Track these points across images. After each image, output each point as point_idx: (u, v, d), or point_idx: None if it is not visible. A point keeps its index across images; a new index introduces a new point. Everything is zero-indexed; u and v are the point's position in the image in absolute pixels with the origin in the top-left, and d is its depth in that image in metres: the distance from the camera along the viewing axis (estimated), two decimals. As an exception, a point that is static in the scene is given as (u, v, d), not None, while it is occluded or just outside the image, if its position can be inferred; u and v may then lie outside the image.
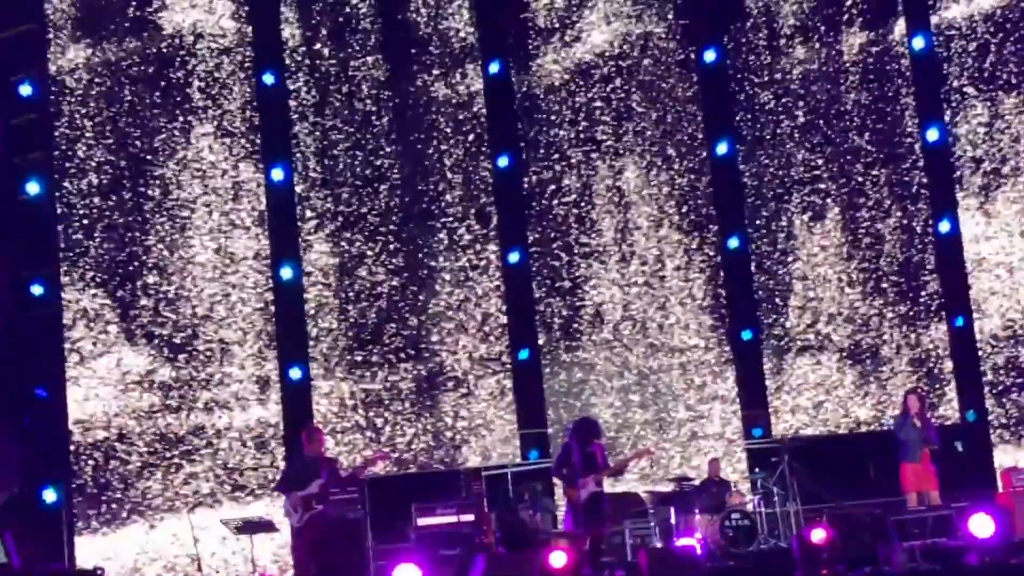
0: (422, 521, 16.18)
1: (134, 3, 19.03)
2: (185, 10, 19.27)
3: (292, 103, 19.64)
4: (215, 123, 19.13)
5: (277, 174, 19.21)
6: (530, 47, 20.51)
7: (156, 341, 18.41)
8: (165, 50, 19.10)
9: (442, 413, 19.34)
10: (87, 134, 18.65)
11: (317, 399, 18.93)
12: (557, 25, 20.59)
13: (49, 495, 17.07)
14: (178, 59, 19.12)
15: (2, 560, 14.23)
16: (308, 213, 19.45)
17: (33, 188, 18.03)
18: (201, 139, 19.05)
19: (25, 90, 18.23)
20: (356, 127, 19.81)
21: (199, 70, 19.18)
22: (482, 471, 18.01)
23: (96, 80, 18.78)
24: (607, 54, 20.54)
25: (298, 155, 19.48)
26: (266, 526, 16.08)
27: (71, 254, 18.33)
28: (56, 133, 18.59)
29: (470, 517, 16.27)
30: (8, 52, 18.23)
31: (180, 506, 17.94)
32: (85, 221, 18.49)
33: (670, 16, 20.78)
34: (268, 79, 19.40)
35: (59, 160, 18.51)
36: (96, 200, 18.56)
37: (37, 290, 17.78)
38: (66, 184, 18.49)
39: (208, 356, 18.61)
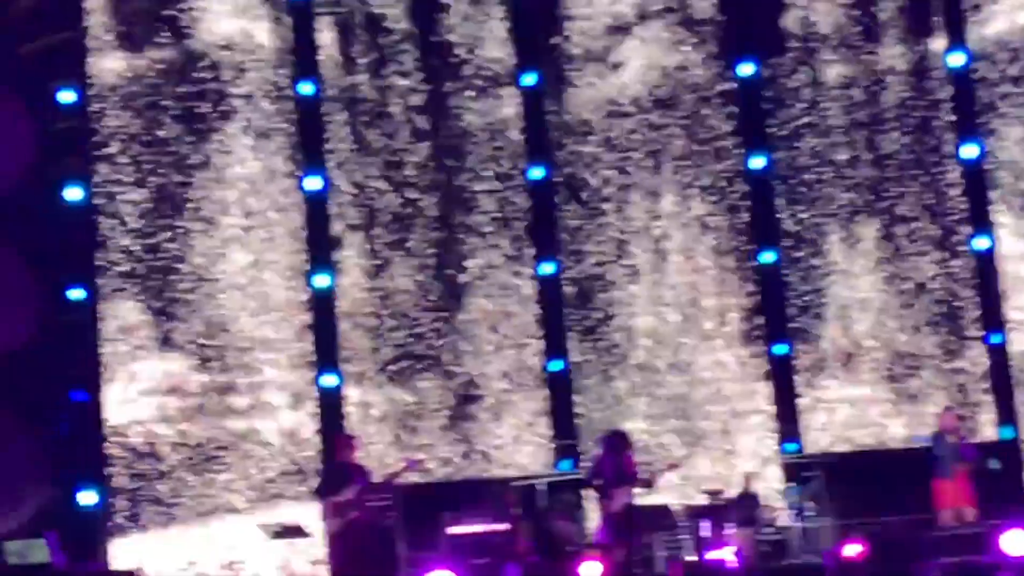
0: (453, 529, 16.18)
1: (172, 13, 19.08)
2: (222, 20, 19.33)
3: (328, 113, 19.67)
4: (252, 132, 19.18)
5: (313, 183, 19.24)
6: (566, 71, 20.56)
7: (191, 348, 18.46)
8: (202, 60, 19.15)
9: (475, 423, 19.32)
10: (125, 142, 18.72)
11: (350, 406, 18.94)
12: (594, 51, 20.62)
13: (85, 498, 17.13)
14: (215, 68, 19.17)
15: (46, 559, 14.34)
16: (343, 223, 19.47)
17: (72, 194, 18.11)
18: (237, 148, 19.10)
19: (65, 97, 18.33)
20: (391, 137, 19.83)
21: (236, 80, 19.24)
22: (514, 481, 17.99)
23: (134, 88, 18.86)
24: (643, 81, 20.56)
25: (334, 165, 19.51)
26: (300, 532, 16.12)
27: (108, 260, 18.40)
28: (94, 140, 18.64)
29: (502, 526, 16.27)
30: (48, 60, 18.32)
31: (214, 511, 17.96)
32: (122, 228, 18.55)
33: (706, 39, 20.78)
34: (306, 89, 19.44)
35: (97, 167, 18.56)
36: (133, 207, 18.63)
37: (75, 295, 17.86)
38: (104, 191, 18.55)
39: (242, 363, 18.64)
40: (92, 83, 18.74)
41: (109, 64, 18.86)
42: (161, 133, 18.88)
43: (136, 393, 18.20)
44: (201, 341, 18.54)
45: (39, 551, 14.42)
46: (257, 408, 18.58)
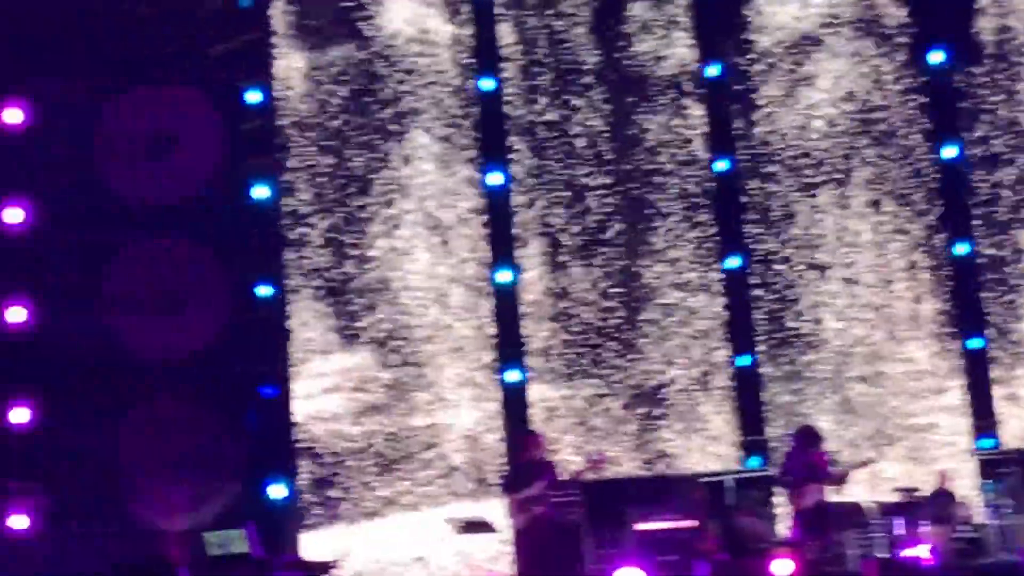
0: (641, 526, 16.08)
1: (352, 12, 19.22)
2: (402, 16, 19.42)
3: (508, 107, 19.65)
4: (432, 127, 19.24)
5: (494, 178, 19.24)
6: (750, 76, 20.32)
7: (374, 345, 18.58)
8: (382, 56, 19.27)
9: (661, 420, 19.16)
10: (308, 139, 18.91)
11: (535, 402, 18.90)
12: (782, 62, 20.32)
13: (275, 491, 17.35)
14: (395, 65, 19.27)
15: (244, 550, 14.58)
16: (524, 217, 19.44)
17: (259, 192, 18.34)
18: (418, 144, 19.17)
19: (252, 97, 18.57)
20: (571, 130, 19.75)
21: (416, 76, 19.32)
22: (702, 478, 17.80)
23: (316, 86, 19.04)
24: (832, 90, 20.25)
25: (514, 159, 19.49)
26: (487, 527, 16.14)
27: (295, 257, 18.61)
28: (280, 138, 18.87)
29: (690, 523, 16.12)
30: (235, 60, 18.57)
31: (401, 506, 18.08)
32: (307, 226, 18.75)
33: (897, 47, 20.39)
34: (486, 84, 19.44)
35: (283, 165, 18.79)
36: (317, 204, 18.81)
37: (263, 291, 18.10)
38: (290, 188, 18.77)
39: (426, 360, 18.71)
40: (277, 83, 18.97)
41: (293, 64, 19.06)
42: (342, 130, 19.02)
43: (321, 390, 18.37)
44: (384, 337, 18.64)
45: (238, 542, 14.67)
46: (441, 404, 18.63)
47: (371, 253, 18.87)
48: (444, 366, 18.79)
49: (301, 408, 18.20)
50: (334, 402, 18.39)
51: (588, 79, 19.99)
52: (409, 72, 19.34)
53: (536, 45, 19.95)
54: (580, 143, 19.81)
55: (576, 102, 19.92)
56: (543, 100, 19.85)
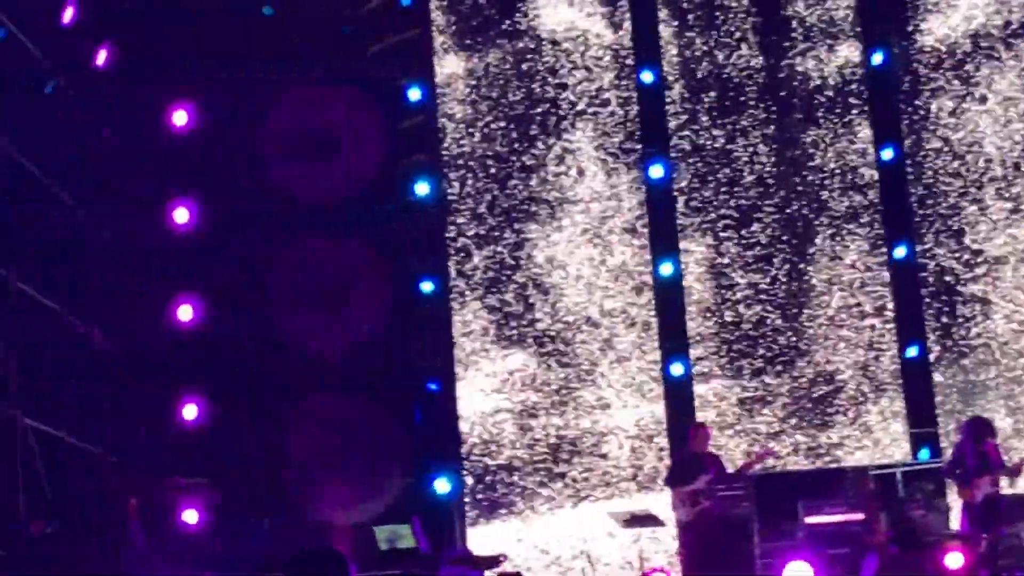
0: (810, 519, 15.86)
1: (509, 9, 19.24)
2: (560, 13, 19.37)
3: (669, 99, 19.50)
4: (592, 120, 19.17)
5: (656, 171, 19.10)
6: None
7: (536, 339, 18.59)
8: (541, 53, 19.25)
9: (829, 412, 18.88)
10: (468, 137, 18.98)
11: (699, 395, 18.75)
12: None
13: (441, 486, 17.45)
14: (554, 61, 19.24)
15: (411, 545, 14.71)
16: (686, 210, 19.29)
17: (422, 189, 18.45)
18: (578, 137, 19.12)
19: (413, 94, 18.69)
20: (732, 124, 19.53)
21: (575, 72, 19.26)
22: (870, 470, 17.49)
23: (475, 84, 19.10)
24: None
25: (675, 152, 19.33)
26: (652, 521, 16.07)
27: (456, 254, 18.69)
28: (440, 135, 18.97)
29: (859, 516, 15.86)
30: (396, 57, 18.71)
31: (565, 500, 18.07)
32: (469, 221, 18.83)
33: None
34: (647, 77, 19.31)
35: (443, 162, 18.89)
36: (477, 201, 18.87)
37: (427, 287, 18.22)
38: (451, 186, 18.86)
39: (588, 353, 18.66)
40: (438, 80, 19.08)
41: (452, 61, 19.15)
42: (503, 126, 19.05)
43: (487, 387, 18.44)
44: (545, 333, 18.63)
45: (407, 537, 14.80)
46: (604, 397, 18.57)
47: (533, 249, 18.86)
48: (606, 360, 18.72)
49: (465, 405, 18.29)
50: (498, 398, 18.44)
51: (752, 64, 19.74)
52: (568, 68, 19.28)
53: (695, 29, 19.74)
54: (742, 134, 19.60)
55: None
56: (703, 90, 19.67)
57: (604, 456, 18.38)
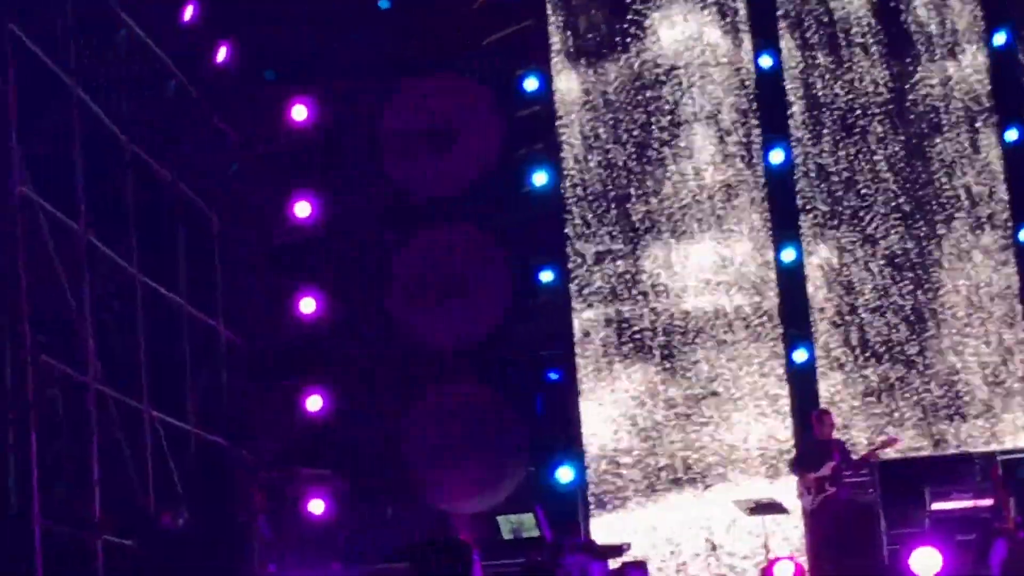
0: (936, 505, 15.65)
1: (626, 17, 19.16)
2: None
3: (788, 86, 19.29)
4: (710, 109, 19.02)
5: (776, 156, 18.87)
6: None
7: (655, 322, 18.52)
8: (660, 55, 19.13)
9: (952, 396, 18.61)
10: (587, 125, 18.94)
11: (823, 382, 18.56)
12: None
13: (563, 475, 17.45)
14: (671, 66, 19.09)
15: (535, 534, 14.77)
16: (805, 198, 19.08)
17: (540, 179, 18.46)
18: (697, 127, 18.97)
19: (529, 84, 18.70)
20: (851, 111, 19.25)
21: (692, 60, 19.12)
22: (997, 455, 17.21)
23: (592, 77, 19.05)
24: None
25: (795, 138, 19.11)
26: (777, 508, 15.96)
27: (576, 244, 18.67)
28: (557, 124, 18.95)
29: (987, 502, 15.62)
30: (511, 48, 18.74)
31: (688, 487, 17.99)
32: (587, 216, 18.79)
33: None
34: (765, 62, 19.09)
35: (562, 152, 18.87)
36: (600, 189, 18.82)
37: (546, 276, 18.22)
38: (567, 179, 18.83)
39: (710, 336, 18.54)
40: (553, 71, 19.06)
41: (568, 53, 19.11)
42: (621, 117, 18.97)
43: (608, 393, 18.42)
44: (664, 317, 18.55)
45: (530, 525, 14.85)
46: (728, 380, 18.43)
47: (651, 247, 18.72)
48: (730, 343, 18.58)
49: (586, 393, 18.30)
50: (619, 386, 18.41)
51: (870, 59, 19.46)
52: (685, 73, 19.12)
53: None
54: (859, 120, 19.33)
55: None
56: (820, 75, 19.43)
57: (727, 441, 18.25)
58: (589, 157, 18.94)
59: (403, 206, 17.58)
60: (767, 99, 19.14)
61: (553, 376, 18.10)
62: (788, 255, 18.66)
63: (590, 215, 18.83)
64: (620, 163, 18.93)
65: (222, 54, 16.70)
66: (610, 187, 18.93)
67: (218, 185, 16.91)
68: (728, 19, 19.28)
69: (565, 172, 18.82)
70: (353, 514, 16.04)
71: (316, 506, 15.45)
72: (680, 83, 19.11)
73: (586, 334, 18.50)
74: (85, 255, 13.43)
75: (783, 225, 18.86)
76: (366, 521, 16.11)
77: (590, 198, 18.87)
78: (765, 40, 19.13)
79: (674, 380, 18.41)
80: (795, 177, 18.98)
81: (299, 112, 17.38)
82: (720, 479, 18.14)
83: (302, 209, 17.26)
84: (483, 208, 17.84)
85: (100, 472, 12.97)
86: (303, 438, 16.61)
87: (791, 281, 18.74)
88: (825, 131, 19.15)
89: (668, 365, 18.46)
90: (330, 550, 15.05)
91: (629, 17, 19.19)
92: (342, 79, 17.54)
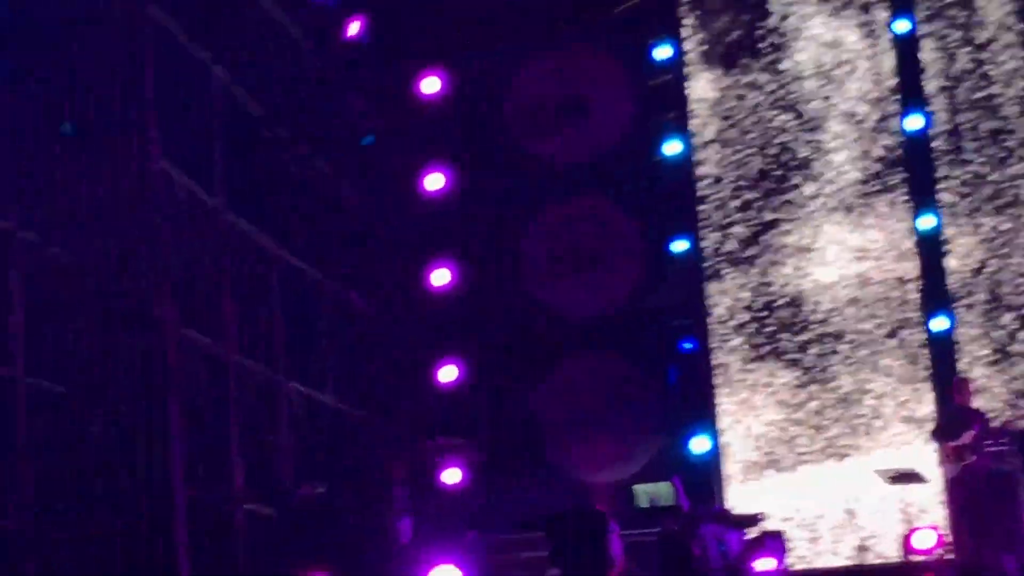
0: (1081, 474, 15.35)
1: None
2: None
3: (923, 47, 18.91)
4: (844, 79, 18.74)
5: (914, 123, 18.51)
6: None
7: (788, 303, 18.36)
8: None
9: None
10: (716, 101, 18.76)
11: (961, 350, 18.25)
12: None
13: (698, 445, 17.38)
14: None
15: (671, 503, 14.78)
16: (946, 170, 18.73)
17: (671, 148, 18.35)
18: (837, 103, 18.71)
19: (661, 53, 18.58)
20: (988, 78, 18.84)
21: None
22: None
23: (722, 46, 18.87)
24: None
25: (935, 106, 18.71)
26: (917, 478, 15.78)
27: (707, 217, 18.54)
28: (688, 96, 18.79)
29: None
30: (642, 17, 18.63)
31: (828, 457, 17.82)
32: (720, 187, 18.64)
33: None
34: (901, 27, 18.68)
35: (691, 122, 18.71)
36: (732, 159, 18.66)
37: (681, 246, 18.12)
38: (701, 145, 18.69)
39: (845, 307, 18.34)
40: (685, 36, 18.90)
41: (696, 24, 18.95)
42: (753, 95, 18.76)
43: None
44: (794, 299, 18.36)
45: (667, 495, 14.86)
46: (865, 354, 18.21)
47: (786, 231, 18.52)
48: (866, 316, 18.36)
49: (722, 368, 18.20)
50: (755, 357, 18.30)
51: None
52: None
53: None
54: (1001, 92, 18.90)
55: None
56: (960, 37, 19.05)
57: (867, 411, 18.04)
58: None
59: (535, 176, 17.59)
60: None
61: (687, 346, 18.03)
62: (926, 222, 18.36)
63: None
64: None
65: (354, 28, 16.82)
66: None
67: (352, 158, 17.03)
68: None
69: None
70: (488, 484, 16.13)
71: (451, 476, 15.53)
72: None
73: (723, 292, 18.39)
74: (222, 229, 13.63)
75: (922, 204, 18.53)
76: (501, 491, 16.20)
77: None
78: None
79: (811, 355, 18.26)
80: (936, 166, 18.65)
81: (431, 84, 17.45)
82: (858, 449, 17.97)
83: (435, 181, 17.34)
84: (615, 177, 17.80)
85: (240, 443, 13.19)
86: (437, 409, 16.73)
87: (930, 241, 18.42)
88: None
89: (806, 343, 18.30)
90: (465, 519, 15.15)
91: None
92: (473, 50, 17.59)
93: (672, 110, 18.75)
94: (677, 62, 18.75)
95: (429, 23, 17.37)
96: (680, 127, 18.60)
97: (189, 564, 11.54)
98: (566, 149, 17.56)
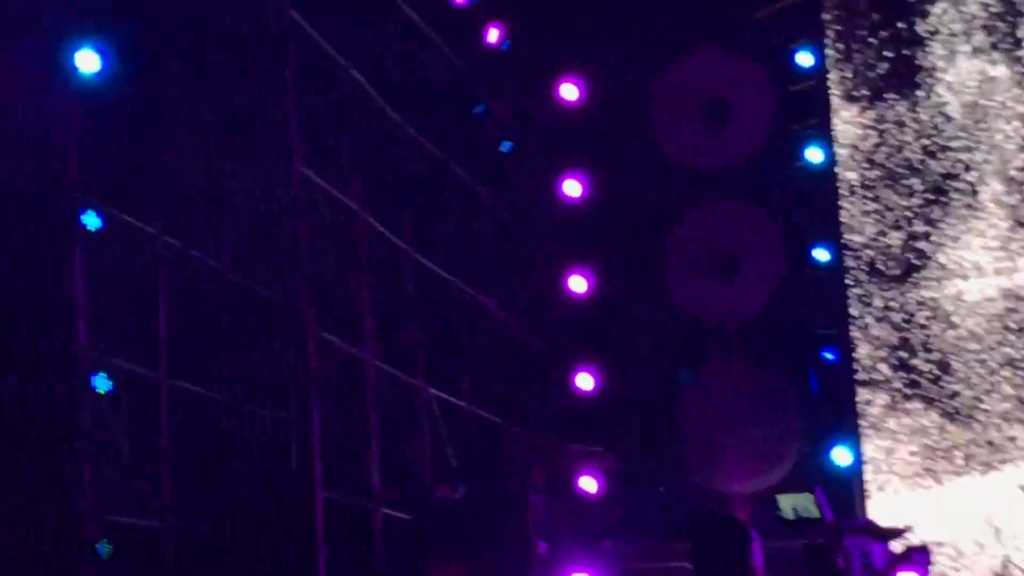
0: None
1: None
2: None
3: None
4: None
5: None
6: None
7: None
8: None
9: None
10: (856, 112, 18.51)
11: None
12: None
13: (840, 456, 17.12)
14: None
15: (815, 514, 14.60)
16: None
17: (814, 155, 18.13)
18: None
19: (804, 59, 18.35)
20: None
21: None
22: None
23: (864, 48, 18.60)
24: None
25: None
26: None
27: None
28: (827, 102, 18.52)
29: None
30: (784, 22, 18.43)
31: (974, 470, 17.48)
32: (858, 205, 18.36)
33: None
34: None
35: (836, 127, 18.46)
36: (864, 187, 18.36)
37: (821, 255, 17.90)
38: (847, 151, 18.42)
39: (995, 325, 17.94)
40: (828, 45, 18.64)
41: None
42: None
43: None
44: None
45: (810, 506, 14.68)
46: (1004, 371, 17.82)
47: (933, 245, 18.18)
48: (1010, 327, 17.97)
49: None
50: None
51: None
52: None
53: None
54: None
55: None
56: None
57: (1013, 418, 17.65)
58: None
59: (675, 182, 17.47)
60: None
61: (828, 356, 17.78)
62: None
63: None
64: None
65: (493, 35, 16.86)
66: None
67: (489, 164, 17.05)
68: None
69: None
70: (626, 492, 16.03)
71: (588, 483, 15.46)
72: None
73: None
74: (361, 233, 13.70)
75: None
76: (639, 499, 16.11)
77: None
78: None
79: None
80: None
81: (569, 91, 17.42)
82: (1004, 463, 17.59)
83: (572, 188, 17.32)
84: (756, 184, 17.61)
85: (379, 446, 13.24)
86: (574, 416, 16.70)
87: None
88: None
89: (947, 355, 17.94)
90: (603, 528, 15.07)
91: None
92: (611, 55, 17.54)
93: (815, 116, 18.50)
94: (820, 68, 18.52)
95: (569, 29, 17.36)
96: (823, 134, 18.37)
97: (327, 567, 11.60)
98: (707, 154, 17.42)
